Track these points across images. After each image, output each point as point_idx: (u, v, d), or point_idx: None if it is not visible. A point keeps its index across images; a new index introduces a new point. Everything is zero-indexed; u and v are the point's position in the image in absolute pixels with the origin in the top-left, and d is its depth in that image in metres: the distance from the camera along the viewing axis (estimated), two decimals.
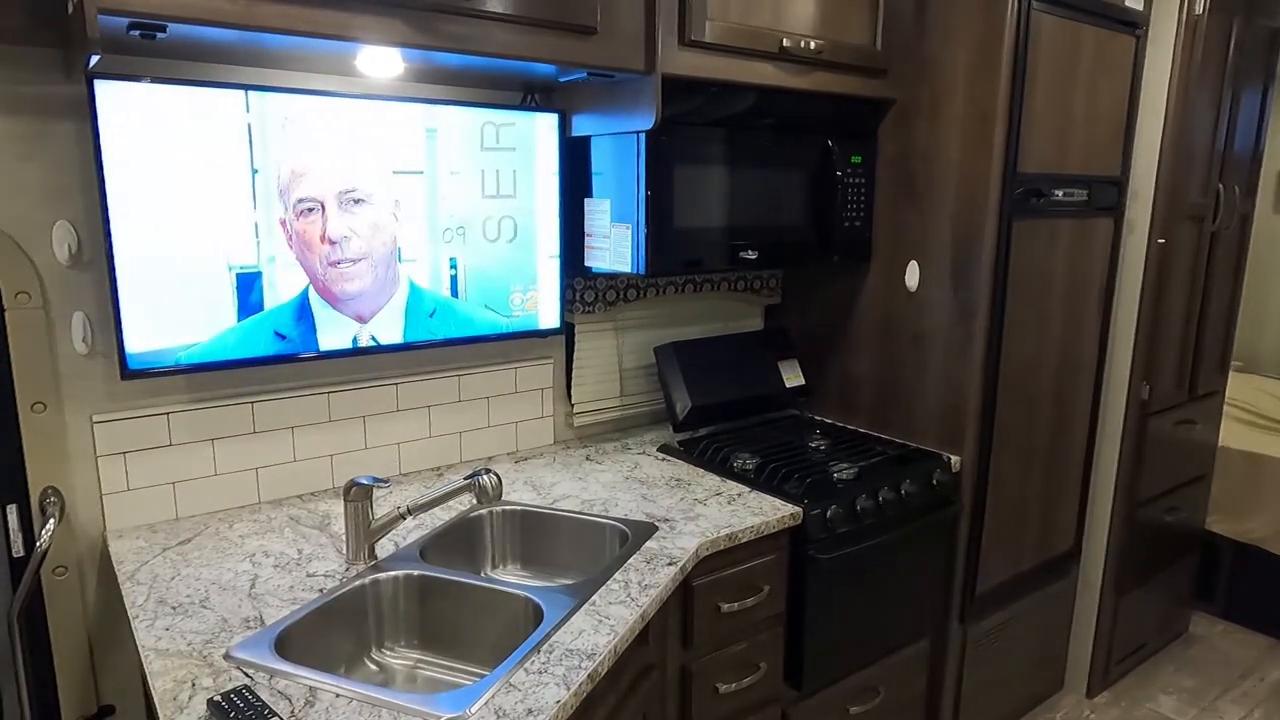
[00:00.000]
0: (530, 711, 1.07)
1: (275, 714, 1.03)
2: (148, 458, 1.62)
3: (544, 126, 1.90)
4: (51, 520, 1.48)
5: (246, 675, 1.14)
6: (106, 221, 1.42)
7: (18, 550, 1.52)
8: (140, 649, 1.21)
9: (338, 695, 1.10)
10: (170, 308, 1.50)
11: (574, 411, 2.19)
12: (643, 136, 1.75)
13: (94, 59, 1.20)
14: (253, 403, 1.72)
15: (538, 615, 1.33)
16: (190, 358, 1.54)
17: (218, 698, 1.06)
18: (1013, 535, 2.26)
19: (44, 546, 1.46)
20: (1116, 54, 2.18)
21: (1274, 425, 3.20)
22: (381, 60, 1.55)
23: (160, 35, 1.22)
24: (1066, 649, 2.63)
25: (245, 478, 1.73)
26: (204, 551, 1.53)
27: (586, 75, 1.68)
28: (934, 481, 2.02)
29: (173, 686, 1.11)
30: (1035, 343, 2.17)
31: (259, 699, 1.06)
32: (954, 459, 2.08)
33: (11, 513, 1.51)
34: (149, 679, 1.13)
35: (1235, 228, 2.66)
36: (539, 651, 1.21)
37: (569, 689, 1.12)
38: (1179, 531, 2.79)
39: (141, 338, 1.49)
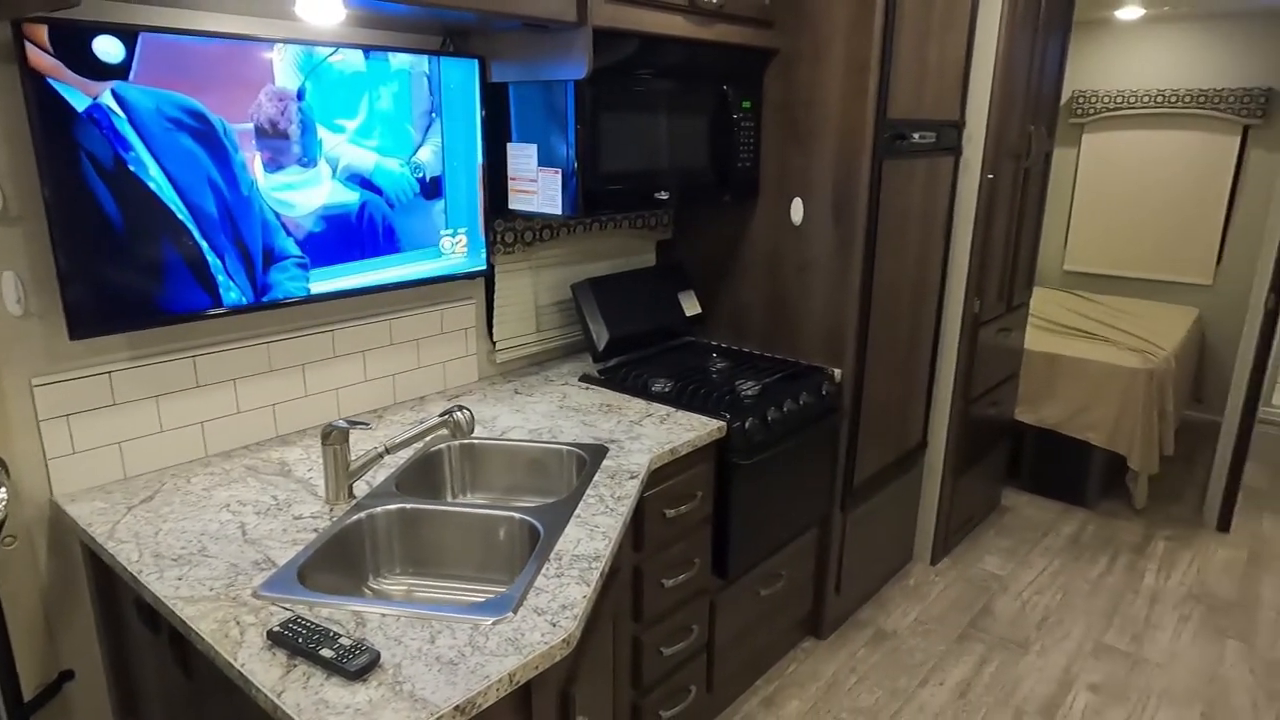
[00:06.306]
0: (563, 606, 1.23)
1: (340, 634, 1.13)
2: (92, 418, 1.58)
3: (466, 73, 1.94)
4: (3, 489, 1.43)
5: (286, 609, 1.22)
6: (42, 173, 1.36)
7: None
8: (162, 600, 1.24)
9: (384, 616, 1.21)
10: (116, 262, 1.46)
11: (496, 349, 2.29)
12: (572, 85, 1.84)
13: None
14: (194, 357, 1.70)
15: (533, 532, 1.48)
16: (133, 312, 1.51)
17: (276, 628, 1.14)
18: (880, 434, 2.64)
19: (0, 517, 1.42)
20: (959, 8, 2.49)
21: (1062, 329, 3.83)
22: (323, 5, 1.54)
23: None
24: (914, 526, 3.11)
25: (191, 432, 1.72)
26: (173, 506, 1.54)
27: (521, 25, 1.75)
28: (823, 392, 2.33)
29: (218, 626, 1.17)
30: (896, 269, 2.51)
31: (315, 624, 1.15)
32: (836, 372, 2.40)
33: None
34: (189, 624, 1.18)
35: (1040, 163, 3.13)
36: (549, 560, 1.37)
37: (589, 586, 1.29)
38: (998, 422, 3.33)
39: (83, 294, 1.44)
